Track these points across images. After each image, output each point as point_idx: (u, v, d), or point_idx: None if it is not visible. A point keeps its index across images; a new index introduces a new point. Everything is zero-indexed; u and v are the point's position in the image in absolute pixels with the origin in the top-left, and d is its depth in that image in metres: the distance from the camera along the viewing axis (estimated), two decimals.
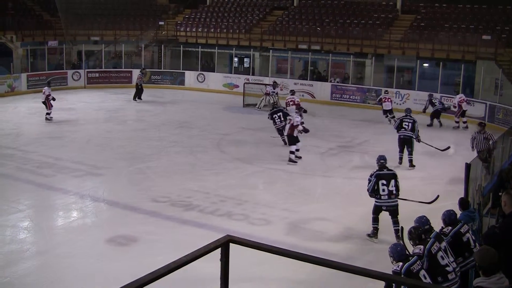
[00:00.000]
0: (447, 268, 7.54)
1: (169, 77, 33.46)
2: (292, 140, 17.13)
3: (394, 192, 11.12)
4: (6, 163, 16.73)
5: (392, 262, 7.37)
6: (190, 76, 33.12)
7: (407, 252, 7.60)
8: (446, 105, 24.10)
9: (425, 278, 7.13)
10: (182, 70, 33.49)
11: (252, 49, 32.65)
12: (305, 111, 18.92)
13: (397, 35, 29.50)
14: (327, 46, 30.57)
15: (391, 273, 6.94)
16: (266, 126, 22.34)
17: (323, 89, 29.44)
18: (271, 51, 32.01)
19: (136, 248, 10.96)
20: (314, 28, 31.83)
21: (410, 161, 16.72)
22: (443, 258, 7.57)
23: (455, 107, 23.70)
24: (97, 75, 33.17)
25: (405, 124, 16.68)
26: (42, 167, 16.14)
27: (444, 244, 7.76)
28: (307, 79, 30.78)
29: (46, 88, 23.29)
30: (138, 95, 28.61)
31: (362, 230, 11.88)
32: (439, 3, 31.21)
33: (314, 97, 29.39)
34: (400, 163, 16.83)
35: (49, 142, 19.38)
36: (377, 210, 11.30)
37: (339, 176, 16.18)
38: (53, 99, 23.00)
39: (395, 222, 11.10)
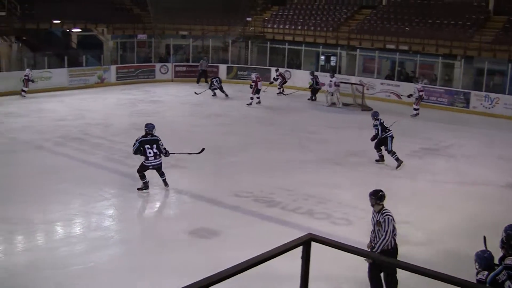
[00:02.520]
0: None
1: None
2: None
3: (158, 153, 13.43)
4: (95, 152, 17.27)
5: (476, 269, 7.02)
6: (276, 73, 33.06)
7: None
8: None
9: None
10: (268, 66, 33.54)
11: (339, 48, 32.30)
12: None
13: (488, 37, 28.37)
14: (415, 46, 29.78)
15: (475, 281, 6.68)
16: (350, 126, 22.15)
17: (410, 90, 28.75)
18: (358, 50, 31.60)
19: (217, 242, 11.00)
20: (402, 28, 31.13)
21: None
22: None
23: (413, 95, 25.48)
24: (184, 69, 33.74)
25: (386, 124, 16.93)
26: (128, 157, 16.46)
27: None
28: (394, 80, 30.21)
29: (27, 70, 26.45)
30: (199, 79, 32.21)
31: (446, 236, 11.57)
32: None
33: (400, 98, 28.75)
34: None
35: (136, 134, 19.61)
36: (144, 169, 13.51)
37: (424, 179, 15.73)
38: (32, 81, 26.28)
39: (162, 174, 13.73)
